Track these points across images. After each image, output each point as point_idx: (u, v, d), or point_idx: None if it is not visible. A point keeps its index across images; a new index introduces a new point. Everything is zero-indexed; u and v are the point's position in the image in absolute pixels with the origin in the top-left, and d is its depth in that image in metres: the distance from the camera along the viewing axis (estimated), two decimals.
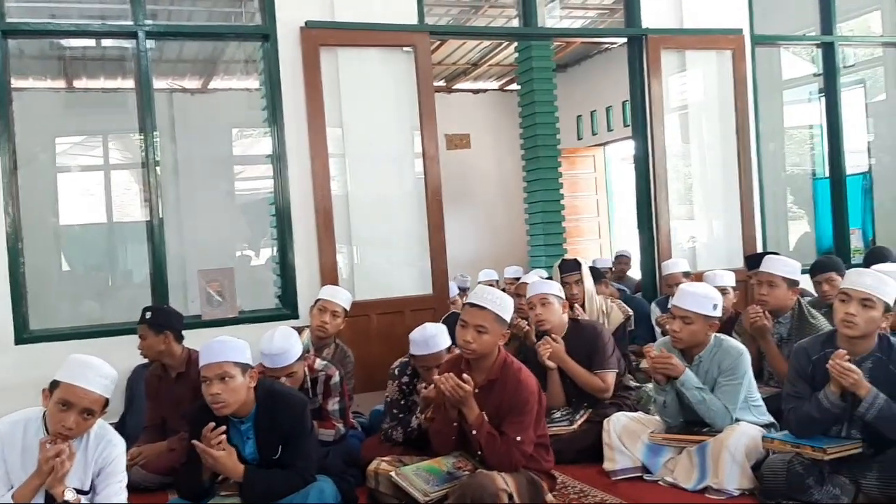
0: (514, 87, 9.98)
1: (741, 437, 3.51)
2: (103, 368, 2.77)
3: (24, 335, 5.00)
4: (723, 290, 4.62)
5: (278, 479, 3.09)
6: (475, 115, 11.80)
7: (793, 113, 8.29)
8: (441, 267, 5.83)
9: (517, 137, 8.58)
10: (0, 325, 4.93)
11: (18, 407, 2.89)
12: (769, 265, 4.39)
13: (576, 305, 4.99)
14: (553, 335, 4.36)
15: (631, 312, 5.26)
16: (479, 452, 3.31)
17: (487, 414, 3.27)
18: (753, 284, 4.69)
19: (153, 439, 4.27)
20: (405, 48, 5.81)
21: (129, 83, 8.15)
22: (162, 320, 4.29)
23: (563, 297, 4.53)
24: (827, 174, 7.51)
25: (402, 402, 4.13)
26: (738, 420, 3.65)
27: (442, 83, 11.24)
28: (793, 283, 4.34)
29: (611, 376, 4.33)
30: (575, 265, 5.23)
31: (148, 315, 4.30)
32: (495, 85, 11.90)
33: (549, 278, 5.26)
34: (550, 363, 4.30)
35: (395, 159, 5.82)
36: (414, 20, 5.82)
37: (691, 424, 3.75)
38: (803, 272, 4.53)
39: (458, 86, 11.61)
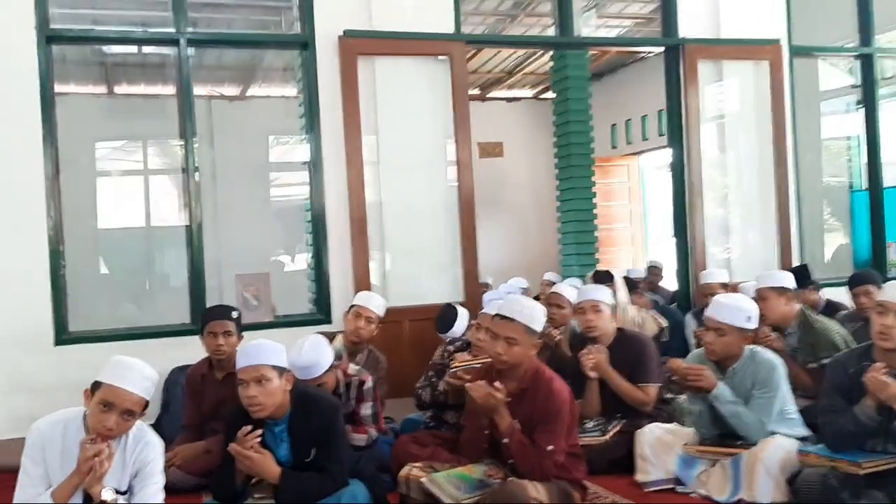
0: (549, 95, 9.97)
1: (776, 450, 3.48)
2: (145, 370, 2.81)
3: (63, 336, 5.10)
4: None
5: (312, 482, 3.12)
6: (509, 123, 11.79)
7: (830, 124, 8.19)
8: (473, 275, 5.86)
9: (551, 146, 8.56)
10: (41, 327, 5.02)
11: (58, 407, 2.93)
12: (759, 281, 4.55)
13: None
14: (598, 345, 4.33)
15: (665, 324, 5.24)
16: (511, 461, 3.31)
17: (519, 423, 3.28)
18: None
19: (191, 440, 4.32)
20: (441, 57, 5.85)
21: (170, 89, 8.26)
22: (241, 321, 4.40)
23: (614, 304, 4.52)
24: (864, 186, 7.45)
25: (440, 366, 4.24)
26: (772, 433, 3.62)
27: (476, 91, 11.26)
28: (782, 291, 4.35)
29: (654, 390, 4.30)
30: (607, 276, 5.23)
31: (234, 314, 4.39)
32: (529, 93, 11.90)
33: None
34: (592, 373, 4.27)
35: (428, 167, 5.86)
36: (450, 29, 5.86)
37: (725, 437, 3.72)
38: (840, 285, 4.52)
39: (492, 94, 11.62)
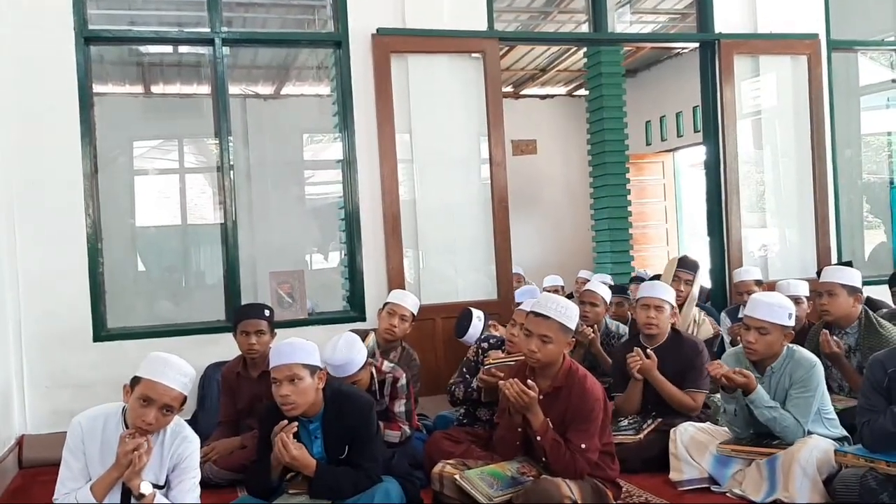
0: (583, 92, 9.94)
1: (813, 450, 3.43)
2: (183, 367, 2.85)
3: (102, 333, 5.17)
4: (796, 300, 4.53)
5: (346, 478, 3.14)
6: (542, 120, 11.76)
7: (870, 119, 8.05)
8: (506, 272, 5.85)
9: (584, 143, 8.54)
10: (80, 324, 5.09)
11: (96, 402, 2.99)
12: (827, 275, 4.38)
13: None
14: (647, 350, 4.28)
15: (722, 331, 5.17)
16: (544, 459, 3.31)
17: (552, 421, 3.27)
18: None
19: (226, 435, 4.37)
20: (474, 54, 5.85)
21: (205, 89, 8.36)
22: (274, 320, 4.44)
23: (675, 305, 4.47)
24: None
25: (473, 364, 4.30)
26: (810, 433, 3.57)
27: (509, 89, 11.24)
28: (853, 291, 4.27)
29: (701, 397, 4.25)
30: (694, 265, 5.16)
31: (266, 313, 4.43)
32: (563, 90, 11.85)
33: (620, 286, 5.23)
34: (637, 375, 4.23)
35: (461, 165, 5.86)
36: (483, 27, 5.85)
37: (761, 436, 3.68)
38: (880, 283, 4.44)
39: (525, 91, 11.59)
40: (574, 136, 11.11)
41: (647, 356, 4.22)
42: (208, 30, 5.45)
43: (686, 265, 5.15)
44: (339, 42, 5.63)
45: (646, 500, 3.68)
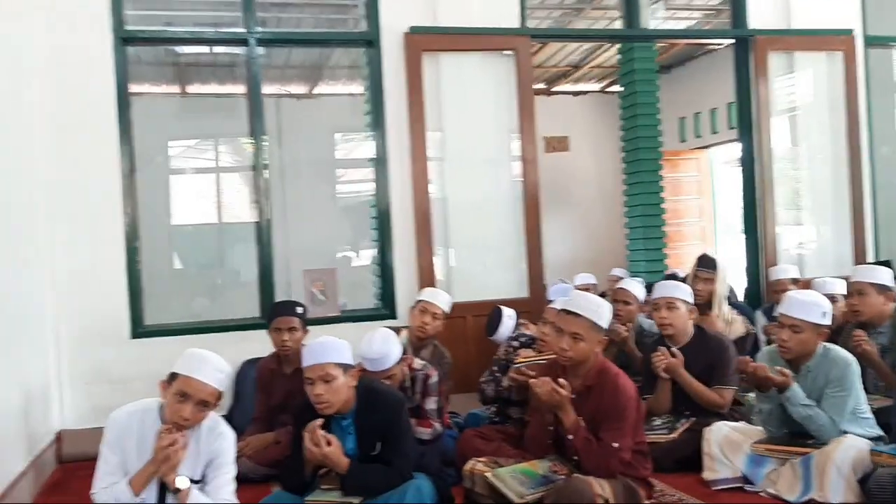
0: (616, 88, 9.86)
1: (848, 449, 3.40)
2: (219, 363, 2.89)
3: (139, 330, 5.25)
4: (832, 298, 4.47)
5: (378, 475, 3.17)
6: (575, 117, 11.70)
7: None
8: (537, 270, 5.84)
9: (617, 140, 8.47)
10: (118, 320, 5.17)
11: (134, 397, 3.03)
12: (857, 274, 4.35)
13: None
14: (672, 349, 4.28)
15: (754, 331, 5.12)
16: (575, 457, 3.31)
17: (584, 419, 3.27)
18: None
19: (261, 431, 4.43)
20: (506, 52, 5.85)
21: (240, 88, 8.44)
22: (306, 317, 4.48)
23: (692, 302, 4.44)
24: None
25: (504, 362, 4.31)
26: (844, 432, 3.53)
27: (542, 85, 11.20)
28: (883, 290, 4.23)
29: (730, 393, 4.22)
30: (712, 264, 5.12)
31: (299, 310, 4.48)
32: (596, 87, 11.78)
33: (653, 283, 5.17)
34: (664, 374, 4.23)
35: (493, 162, 5.86)
36: (516, 24, 5.85)
37: (795, 435, 3.65)
38: None
39: (557, 88, 11.54)
40: (607, 132, 11.05)
41: (673, 355, 4.21)
42: (243, 30, 5.51)
43: (705, 264, 5.12)
44: (371, 41, 5.66)
45: (679, 500, 3.66)
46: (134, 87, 5.68)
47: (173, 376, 2.84)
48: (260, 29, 5.62)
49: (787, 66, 6.48)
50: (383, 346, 3.73)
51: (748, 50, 6.38)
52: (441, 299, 4.81)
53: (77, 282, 5.06)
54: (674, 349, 4.26)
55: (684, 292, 4.41)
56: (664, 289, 4.46)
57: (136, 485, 2.79)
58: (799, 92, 6.55)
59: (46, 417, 4.78)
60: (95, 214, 5.13)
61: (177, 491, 2.78)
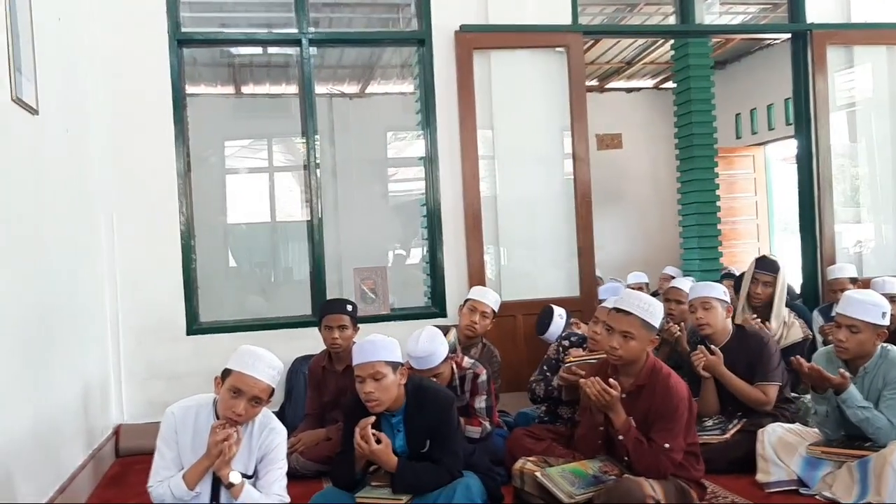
0: (670, 85, 9.74)
1: None
2: (272, 360, 2.92)
3: (195, 326, 5.34)
4: (891, 298, 4.38)
5: (428, 473, 3.18)
6: (628, 114, 11.57)
7: None
8: (589, 269, 5.80)
9: (672, 137, 8.35)
10: (174, 317, 5.28)
11: (189, 392, 3.09)
12: None
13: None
14: (711, 346, 4.23)
15: (811, 335, 5.02)
16: (626, 458, 3.28)
17: (635, 420, 3.24)
18: None
19: (312, 427, 4.49)
20: (558, 49, 5.82)
21: (293, 89, 8.52)
22: (357, 314, 4.52)
23: (728, 301, 4.39)
24: None
25: (554, 361, 4.31)
26: None
27: (594, 82, 11.10)
28: None
29: (773, 389, 4.16)
30: (773, 266, 5.03)
31: (349, 308, 4.52)
32: (650, 83, 11.64)
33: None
34: (705, 373, 4.19)
35: (544, 160, 5.84)
36: (567, 20, 5.82)
37: (852, 438, 3.58)
38: None
39: (610, 85, 11.43)
40: (661, 129, 10.89)
41: (711, 353, 4.16)
42: (296, 30, 5.57)
43: (764, 266, 5.01)
44: (422, 40, 5.68)
45: (731, 502, 3.61)
46: (190, 88, 5.79)
47: (227, 372, 2.89)
48: (312, 29, 5.68)
49: (846, 60, 6.35)
50: (429, 344, 3.74)
51: (806, 44, 6.26)
52: (490, 298, 4.81)
53: (135, 280, 5.18)
54: (713, 347, 4.22)
55: (719, 291, 4.36)
56: (698, 289, 4.43)
57: (190, 479, 2.84)
58: (858, 87, 6.41)
59: (105, 412, 4.91)
60: (153, 214, 5.23)
61: (230, 485, 2.83)
